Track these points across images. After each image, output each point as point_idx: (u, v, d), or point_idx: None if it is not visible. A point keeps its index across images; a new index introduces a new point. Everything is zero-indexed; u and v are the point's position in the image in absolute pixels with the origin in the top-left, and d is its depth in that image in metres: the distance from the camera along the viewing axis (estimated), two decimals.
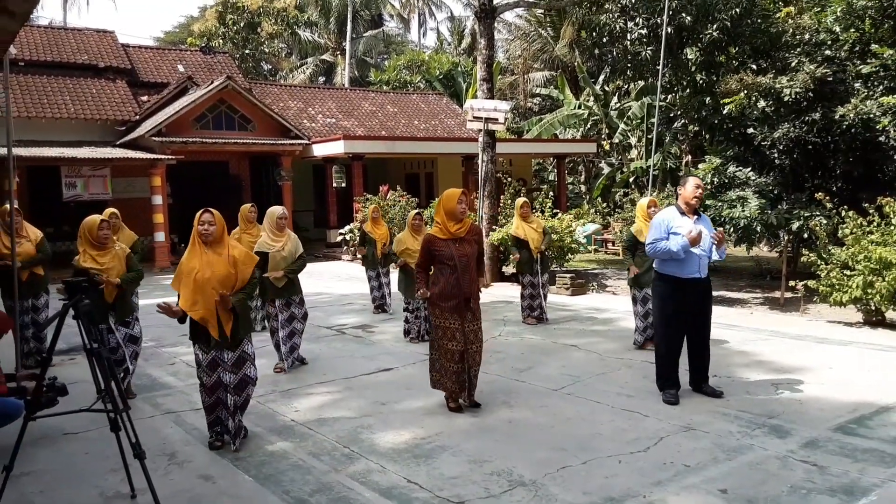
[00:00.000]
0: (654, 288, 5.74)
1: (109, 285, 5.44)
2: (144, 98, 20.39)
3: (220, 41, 32.09)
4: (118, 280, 5.50)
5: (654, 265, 5.73)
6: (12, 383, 4.44)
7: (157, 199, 16.66)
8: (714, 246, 5.46)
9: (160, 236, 16.59)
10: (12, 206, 6.72)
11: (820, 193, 9.42)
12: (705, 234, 5.36)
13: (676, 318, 5.49)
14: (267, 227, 6.45)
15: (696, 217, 5.49)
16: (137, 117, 19.16)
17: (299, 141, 19.55)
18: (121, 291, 5.58)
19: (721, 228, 5.44)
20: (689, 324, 5.52)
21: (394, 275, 10.38)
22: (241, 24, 33.30)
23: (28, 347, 6.91)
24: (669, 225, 5.46)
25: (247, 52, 33.65)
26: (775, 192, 11.58)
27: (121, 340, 5.61)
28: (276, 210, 6.49)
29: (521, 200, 8.93)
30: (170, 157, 16.80)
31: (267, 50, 35.99)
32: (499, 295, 11.39)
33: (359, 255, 9.96)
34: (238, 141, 18.80)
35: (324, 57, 40.39)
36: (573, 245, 13.24)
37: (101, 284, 5.33)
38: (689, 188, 5.47)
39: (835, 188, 11.71)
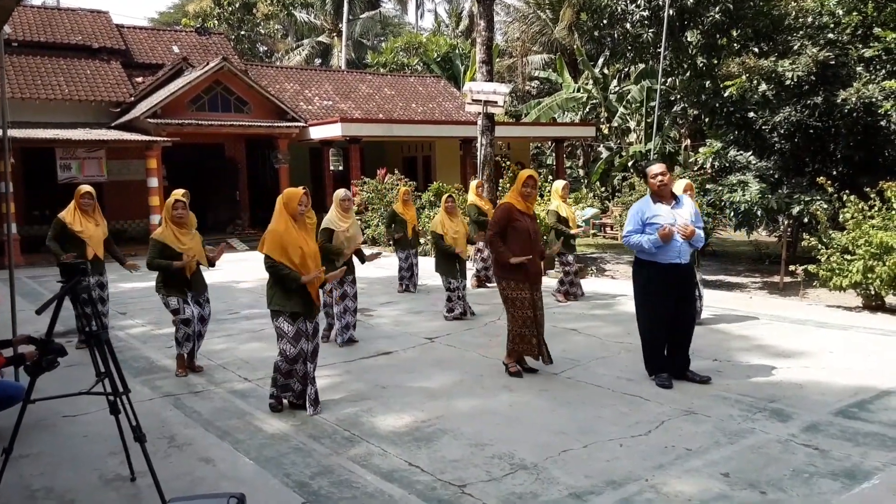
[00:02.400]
0: (634, 275, 5.62)
1: (192, 264, 5.84)
2: (139, 79, 20.21)
3: (216, 22, 31.78)
4: (197, 259, 5.91)
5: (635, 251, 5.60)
6: (8, 349, 4.38)
7: (153, 182, 16.56)
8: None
9: (156, 218, 16.45)
10: (7, 189, 6.66)
11: (821, 178, 9.39)
12: (679, 226, 5.26)
13: (659, 305, 5.40)
14: (334, 208, 6.72)
15: (674, 202, 5.41)
16: (132, 99, 19.00)
17: (296, 123, 19.42)
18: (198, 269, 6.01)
19: (686, 223, 5.28)
20: (673, 309, 5.40)
21: (421, 258, 10.60)
22: (237, 5, 32.96)
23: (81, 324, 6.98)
24: (645, 215, 5.36)
25: (242, 33, 33.36)
26: (776, 176, 11.55)
27: (195, 315, 5.91)
28: (339, 193, 6.79)
29: (562, 182, 9.19)
30: (165, 139, 16.68)
31: (262, 31, 35.69)
32: None
33: (389, 238, 10.23)
34: (234, 123, 18.66)
35: (320, 39, 40.09)
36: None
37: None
38: (650, 179, 5.37)
39: (835, 172, 11.68)
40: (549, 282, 9.00)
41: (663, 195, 5.39)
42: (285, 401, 5.02)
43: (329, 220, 6.61)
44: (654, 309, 5.45)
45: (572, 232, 8.97)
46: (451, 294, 8.12)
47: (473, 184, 10.36)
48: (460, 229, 8.20)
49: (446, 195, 8.53)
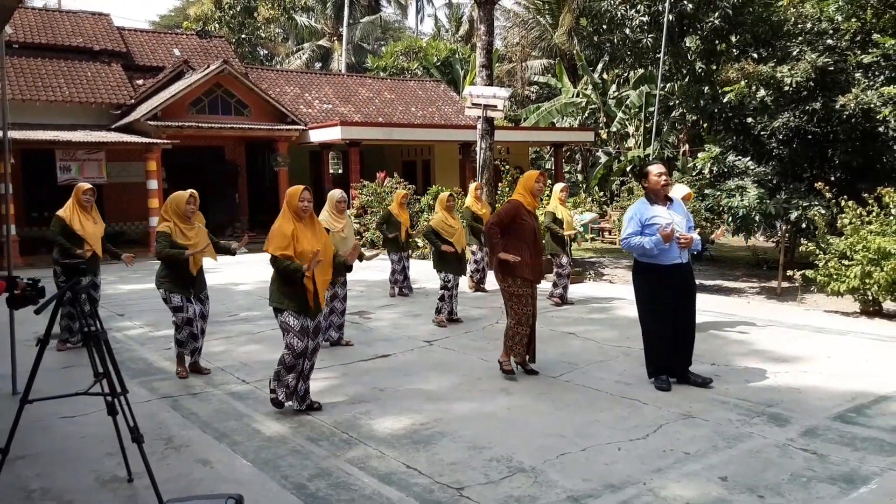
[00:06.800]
0: (634, 278, 5.61)
1: (198, 258, 5.81)
2: (140, 82, 20.23)
3: (217, 25, 31.82)
4: (207, 252, 5.88)
5: (634, 254, 5.60)
6: None
7: (153, 184, 16.55)
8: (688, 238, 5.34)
9: (155, 221, 16.46)
10: (7, 190, 6.67)
11: (819, 183, 9.40)
12: (676, 225, 5.26)
13: (662, 306, 5.40)
14: (328, 208, 6.71)
15: (669, 203, 5.42)
16: (133, 101, 19.01)
17: (296, 126, 19.43)
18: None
19: (689, 232, 5.33)
20: (676, 311, 5.40)
21: (413, 261, 10.63)
22: (238, 9, 33.00)
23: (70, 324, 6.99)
24: (644, 217, 5.34)
25: (243, 36, 33.39)
26: (774, 181, 11.58)
27: (196, 313, 5.88)
28: (335, 193, 6.76)
29: (561, 185, 9.35)
30: (165, 141, 16.68)
31: (263, 35, 35.69)
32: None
33: (377, 238, 10.24)
34: (234, 126, 18.68)
35: (320, 42, 40.15)
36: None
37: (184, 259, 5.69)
38: (653, 178, 5.38)
39: (833, 178, 11.71)
40: (544, 285, 8.99)
41: (661, 196, 5.40)
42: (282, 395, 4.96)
43: (323, 221, 6.56)
44: (656, 311, 5.44)
45: (565, 233, 8.97)
46: (446, 292, 7.98)
47: (472, 186, 10.34)
48: (459, 228, 8.20)
49: (448, 194, 8.50)
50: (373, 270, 11.90)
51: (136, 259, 6.95)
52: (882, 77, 10.94)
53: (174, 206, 5.76)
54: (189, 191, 5.87)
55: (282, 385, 4.92)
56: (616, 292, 10.37)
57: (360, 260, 6.70)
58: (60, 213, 6.74)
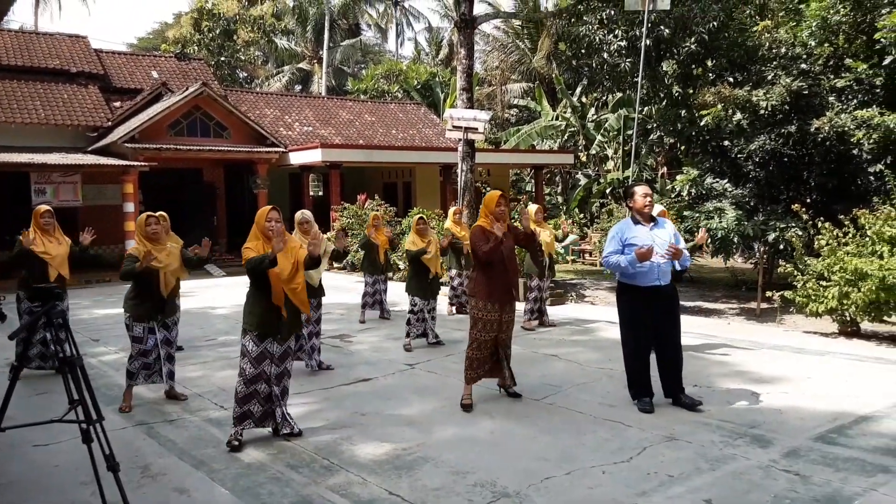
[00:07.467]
0: (617, 299, 5.66)
1: (169, 280, 5.75)
2: (117, 104, 20.10)
3: (196, 48, 31.80)
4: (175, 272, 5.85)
5: (616, 275, 5.68)
6: None
7: (129, 207, 16.37)
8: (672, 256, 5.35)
9: (131, 244, 16.24)
10: None
11: (795, 205, 9.53)
12: (658, 246, 5.30)
13: (643, 328, 5.43)
14: (296, 230, 6.69)
15: (652, 224, 5.47)
16: (110, 123, 18.87)
17: (275, 149, 19.39)
18: (177, 287, 5.94)
19: (674, 242, 5.35)
20: (657, 332, 5.44)
21: (390, 283, 10.54)
22: (217, 31, 33.05)
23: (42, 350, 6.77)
24: (624, 236, 5.41)
25: (222, 59, 33.40)
26: (751, 203, 11.72)
27: (158, 342, 5.77)
28: (297, 215, 6.76)
29: (536, 206, 9.23)
30: (142, 163, 16.54)
31: (243, 57, 35.75)
32: None
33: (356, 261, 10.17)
34: (213, 148, 18.58)
35: (300, 65, 40.29)
36: (551, 255, 13.25)
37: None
38: (639, 198, 5.44)
39: (809, 200, 11.88)
40: (522, 307, 8.98)
41: (645, 216, 5.45)
42: (242, 435, 4.79)
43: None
44: (637, 333, 5.47)
45: (539, 236, 8.77)
46: (412, 316, 7.93)
47: (451, 210, 10.37)
48: (432, 250, 8.12)
49: (417, 217, 8.51)
50: (353, 294, 11.82)
51: (93, 232, 6.66)
52: (855, 101, 11.17)
53: (139, 228, 5.77)
54: (149, 213, 5.82)
55: (238, 421, 4.74)
56: (598, 314, 10.38)
57: (341, 259, 6.60)
58: (22, 237, 6.62)
